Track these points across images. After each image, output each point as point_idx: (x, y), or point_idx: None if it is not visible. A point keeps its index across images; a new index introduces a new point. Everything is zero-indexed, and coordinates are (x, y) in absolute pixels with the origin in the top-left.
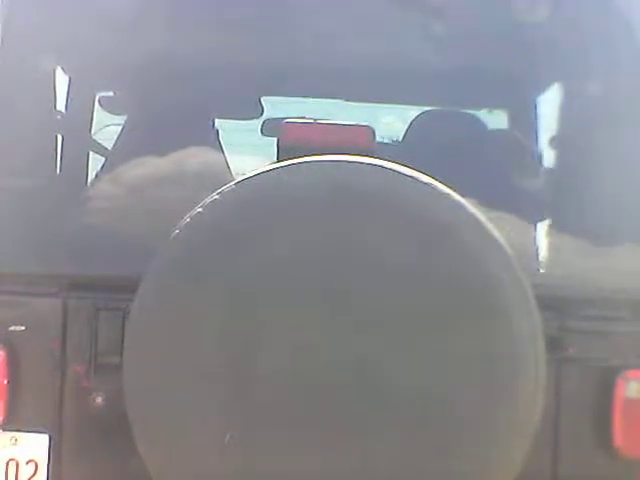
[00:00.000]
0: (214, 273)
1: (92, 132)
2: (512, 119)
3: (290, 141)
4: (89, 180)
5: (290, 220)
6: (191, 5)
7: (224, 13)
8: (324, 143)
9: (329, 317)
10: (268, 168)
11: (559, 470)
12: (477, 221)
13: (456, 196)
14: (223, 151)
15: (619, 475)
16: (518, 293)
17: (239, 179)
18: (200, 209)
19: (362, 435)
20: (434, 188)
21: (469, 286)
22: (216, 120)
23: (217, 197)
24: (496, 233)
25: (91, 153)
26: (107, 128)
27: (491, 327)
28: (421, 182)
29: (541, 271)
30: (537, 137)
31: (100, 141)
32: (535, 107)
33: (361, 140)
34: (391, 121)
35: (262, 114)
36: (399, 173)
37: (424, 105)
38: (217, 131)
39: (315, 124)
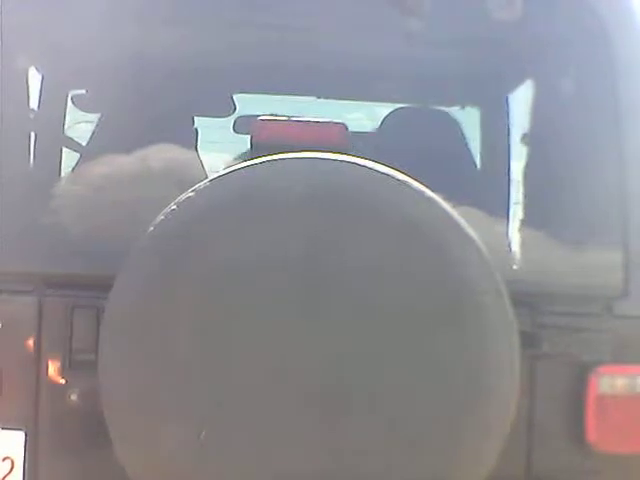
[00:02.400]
0: (188, 270)
1: (65, 130)
2: (484, 116)
3: (263, 138)
4: (63, 177)
5: (264, 217)
6: (163, 3)
7: (196, 11)
8: (297, 140)
9: (304, 316)
10: (242, 166)
11: (533, 466)
12: (451, 218)
13: (429, 193)
14: (197, 148)
15: (593, 471)
16: (491, 290)
17: (213, 177)
18: (174, 206)
19: (332, 434)
20: (408, 185)
21: (443, 284)
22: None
23: (191, 194)
24: (470, 230)
25: (65, 151)
26: (81, 126)
27: (464, 324)
28: (395, 179)
29: (514, 268)
30: (509, 134)
31: (74, 138)
32: (507, 104)
33: (334, 137)
34: (360, 118)
35: (234, 111)
36: (373, 170)
37: (396, 103)
38: (195, 129)
39: (288, 121)
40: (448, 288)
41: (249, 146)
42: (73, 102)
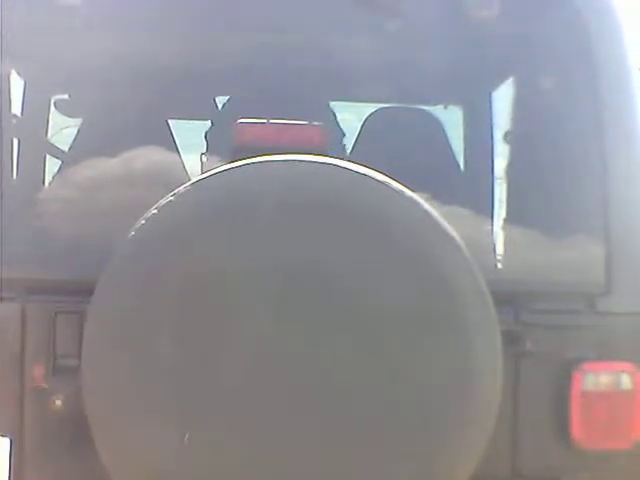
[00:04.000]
0: (169, 274)
1: (48, 135)
2: (466, 115)
3: (244, 141)
4: (46, 183)
5: (244, 220)
6: (143, 7)
7: (176, 14)
8: (277, 143)
9: (286, 318)
10: (222, 169)
11: (518, 464)
12: (431, 218)
13: (409, 193)
14: (179, 152)
15: (578, 467)
16: (473, 289)
17: (193, 180)
18: (155, 210)
19: (316, 434)
20: (388, 186)
21: (423, 284)
22: (169, 121)
23: (172, 198)
24: (451, 229)
25: (48, 156)
26: (64, 131)
27: (445, 324)
28: (375, 180)
29: (498, 266)
30: (492, 132)
31: (57, 144)
32: (490, 102)
33: (314, 139)
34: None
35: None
36: (353, 171)
37: (379, 103)
38: (171, 132)
39: (268, 124)
40: (429, 288)
41: (230, 149)
42: (56, 107)
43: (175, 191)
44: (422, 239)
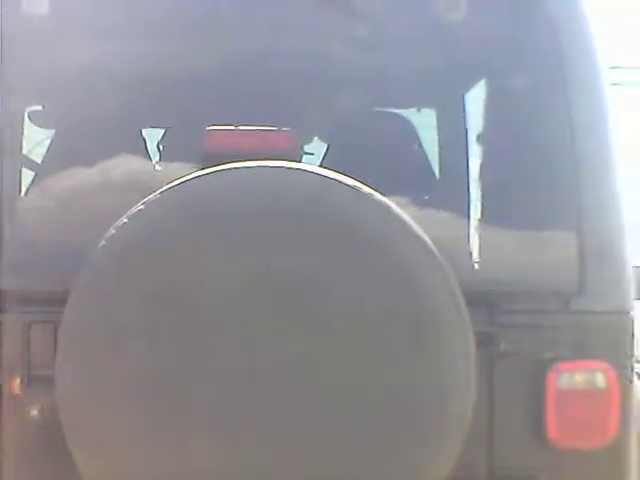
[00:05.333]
0: (141, 281)
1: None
2: (440, 117)
3: (213, 148)
4: (20, 194)
5: (215, 227)
6: (116, 17)
7: (148, 23)
8: (246, 149)
9: (257, 324)
10: (191, 176)
11: (494, 464)
12: (400, 220)
13: (378, 196)
14: (151, 160)
15: (554, 466)
16: (444, 290)
17: (163, 188)
18: (125, 219)
19: (292, 437)
20: (357, 190)
21: (397, 287)
22: (143, 130)
23: (142, 207)
24: (420, 231)
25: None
26: (35, 143)
27: (418, 326)
28: (345, 185)
29: (474, 267)
30: (466, 134)
31: (29, 156)
32: (463, 104)
33: (283, 144)
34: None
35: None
36: (322, 176)
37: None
38: (144, 140)
39: (237, 130)
40: (400, 290)
41: (200, 156)
42: (30, 119)
43: (145, 199)
44: (392, 242)
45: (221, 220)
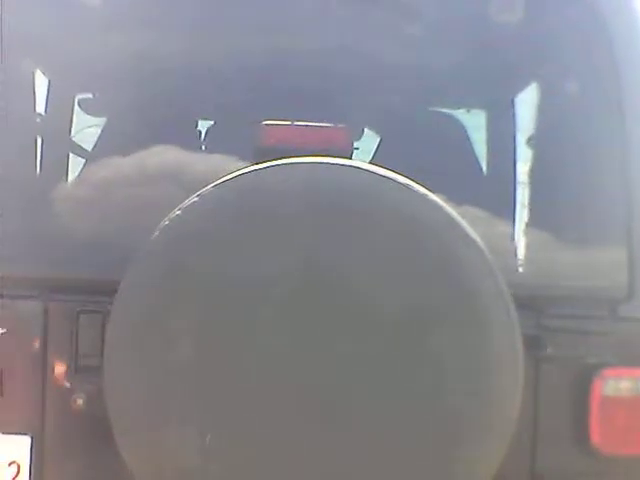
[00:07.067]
0: (193, 275)
1: (72, 134)
2: (490, 119)
3: (268, 143)
4: (69, 182)
5: (269, 222)
6: (170, 6)
7: (205, 13)
8: (301, 145)
9: (307, 322)
10: (247, 170)
11: (537, 468)
12: (453, 220)
13: (432, 195)
14: (204, 152)
15: (597, 473)
16: (493, 292)
17: (218, 181)
18: (179, 211)
19: (334, 438)
20: (410, 188)
21: (448, 287)
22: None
23: (196, 199)
24: (472, 232)
25: (71, 155)
26: (87, 130)
27: (466, 327)
28: (398, 183)
29: (520, 270)
30: (515, 136)
31: (80, 143)
32: (513, 107)
33: (338, 141)
34: None
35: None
36: (376, 174)
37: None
38: (199, 132)
39: (293, 126)
40: (450, 290)
41: (254, 150)
42: (80, 106)
43: (199, 192)
44: (444, 242)
45: (273, 214)
